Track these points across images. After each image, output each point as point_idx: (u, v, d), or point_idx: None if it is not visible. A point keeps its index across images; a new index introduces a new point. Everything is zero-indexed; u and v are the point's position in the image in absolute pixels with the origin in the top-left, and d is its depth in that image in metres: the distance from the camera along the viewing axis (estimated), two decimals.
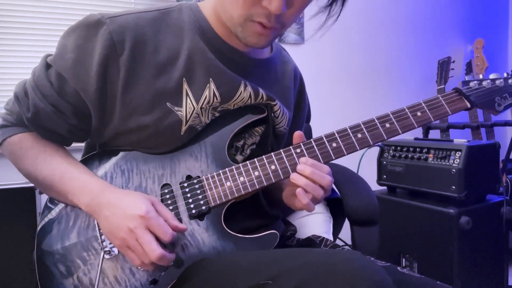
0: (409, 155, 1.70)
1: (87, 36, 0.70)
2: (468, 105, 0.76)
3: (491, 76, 0.80)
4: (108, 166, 0.76)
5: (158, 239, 0.65)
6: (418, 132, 1.94)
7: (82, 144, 0.86)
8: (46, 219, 0.76)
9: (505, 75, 0.81)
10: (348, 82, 2.42)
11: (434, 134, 2.48)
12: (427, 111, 0.75)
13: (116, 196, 0.69)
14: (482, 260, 1.59)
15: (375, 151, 1.86)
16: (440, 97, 0.76)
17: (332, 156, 0.73)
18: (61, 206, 0.76)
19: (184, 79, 0.72)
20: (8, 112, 0.78)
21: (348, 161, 1.03)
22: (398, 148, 1.76)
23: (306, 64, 1.70)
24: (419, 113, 0.74)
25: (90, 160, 0.77)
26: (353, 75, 2.44)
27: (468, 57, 2.70)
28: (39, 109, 0.73)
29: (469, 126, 2.25)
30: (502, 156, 1.73)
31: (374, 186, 1.38)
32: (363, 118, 0.75)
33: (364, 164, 2.01)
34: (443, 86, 2.37)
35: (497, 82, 0.80)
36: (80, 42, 0.70)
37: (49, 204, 0.77)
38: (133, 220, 0.65)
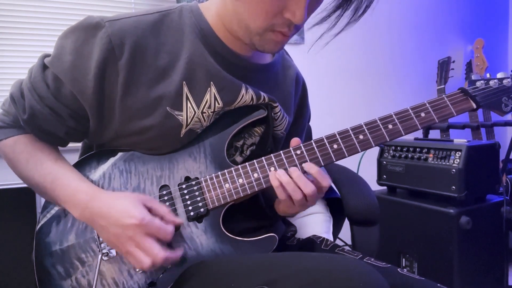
0: (409, 155, 1.70)
1: (85, 39, 0.69)
2: (474, 105, 0.73)
3: (499, 75, 0.77)
4: (106, 166, 0.75)
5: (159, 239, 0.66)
6: (418, 132, 1.94)
7: (79, 144, 0.86)
8: (45, 220, 0.75)
9: None
10: (348, 82, 2.42)
11: (434, 134, 2.48)
12: (432, 112, 0.72)
13: (106, 204, 0.68)
14: (482, 260, 1.59)
15: (375, 151, 1.86)
16: (445, 97, 0.73)
17: (333, 158, 0.72)
18: (59, 206, 0.76)
19: (184, 82, 0.72)
20: (4, 112, 0.77)
21: (348, 161, 1.02)
22: (398, 148, 1.76)
23: (306, 64, 1.69)
24: (423, 114, 0.72)
25: (88, 160, 0.77)
26: (353, 75, 2.43)
27: (468, 57, 2.70)
28: (36, 111, 0.72)
29: (469, 126, 2.25)
30: (502, 156, 1.73)
31: (374, 186, 1.38)
32: (364, 117, 0.74)
33: (364, 164, 2.01)
34: (443, 86, 2.37)
35: (505, 81, 0.76)
36: (78, 45, 0.69)
37: (47, 205, 0.77)
38: (129, 229, 0.65)
